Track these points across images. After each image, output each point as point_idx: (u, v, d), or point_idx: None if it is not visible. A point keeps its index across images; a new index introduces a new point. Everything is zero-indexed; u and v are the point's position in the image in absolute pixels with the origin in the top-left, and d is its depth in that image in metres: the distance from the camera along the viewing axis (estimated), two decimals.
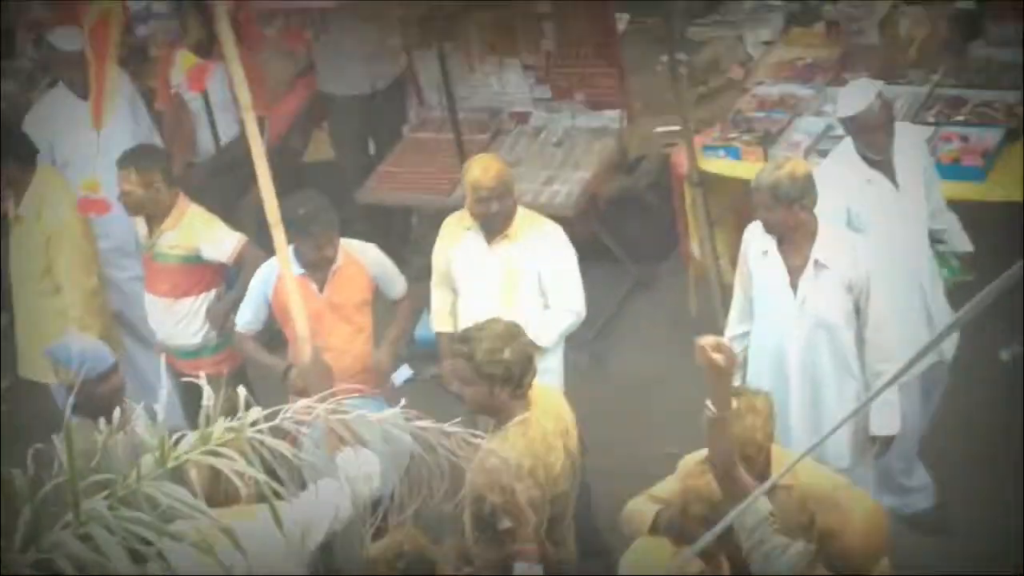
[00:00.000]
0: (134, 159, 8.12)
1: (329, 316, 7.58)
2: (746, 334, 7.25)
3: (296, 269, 7.45)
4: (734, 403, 5.54)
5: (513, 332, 6.35)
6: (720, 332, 7.94)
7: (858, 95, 7.35)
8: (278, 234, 6.64)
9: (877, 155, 7.32)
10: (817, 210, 6.96)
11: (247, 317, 7.85)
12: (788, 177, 6.83)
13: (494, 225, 7.51)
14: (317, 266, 7.56)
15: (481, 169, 7.47)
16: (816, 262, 6.92)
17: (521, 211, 7.61)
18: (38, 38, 10.89)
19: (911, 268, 7.39)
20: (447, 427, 4.25)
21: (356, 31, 9.03)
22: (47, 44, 9.34)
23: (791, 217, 6.87)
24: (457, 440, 4.27)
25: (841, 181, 7.34)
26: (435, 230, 7.96)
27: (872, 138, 7.31)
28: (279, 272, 7.52)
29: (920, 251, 7.44)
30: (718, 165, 8.62)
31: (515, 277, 7.52)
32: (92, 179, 8.26)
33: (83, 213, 8.18)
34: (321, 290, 7.60)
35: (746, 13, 11.37)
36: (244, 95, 6.31)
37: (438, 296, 7.89)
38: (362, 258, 7.79)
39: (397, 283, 7.93)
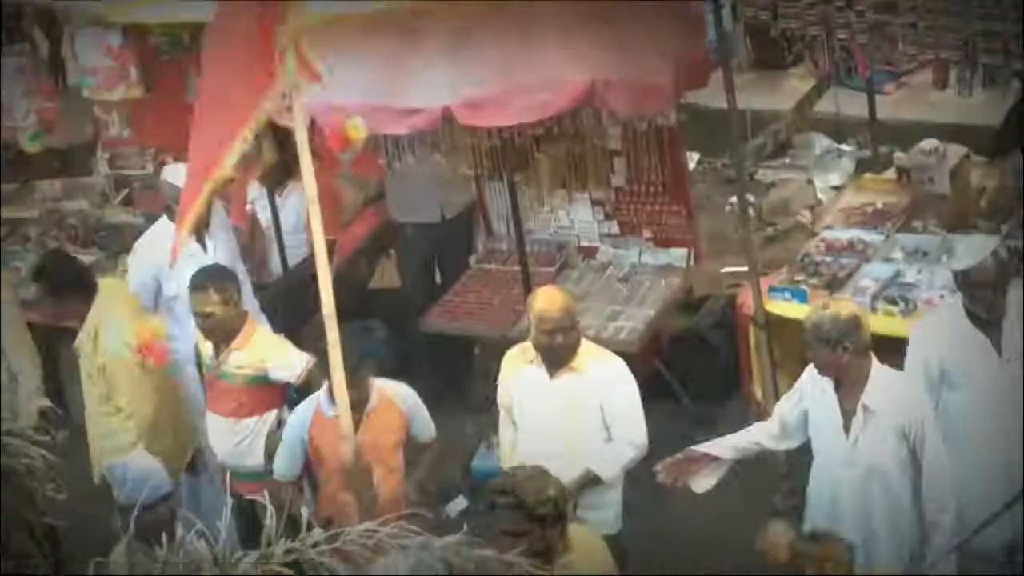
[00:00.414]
0: (210, 278, 8.18)
1: (363, 456, 7.43)
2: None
3: (329, 410, 7.49)
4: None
5: (544, 471, 6.37)
6: (778, 476, 7.96)
7: (975, 250, 7.30)
8: (335, 354, 6.64)
9: (985, 314, 7.24)
10: (908, 362, 6.93)
11: (283, 465, 7.86)
12: (831, 318, 6.84)
13: (558, 357, 7.48)
14: (352, 406, 7.50)
15: (547, 300, 7.47)
16: (865, 407, 6.89)
17: (585, 344, 7.59)
18: (112, 158, 11.08)
19: (1001, 434, 7.23)
20: (510, 556, 4.23)
21: (428, 160, 9.10)
22: (165, 183, 9.25)
23: (835, 358, 6.86)
24: (519, 569, 4.24)
25: (940, 336, 7.29)
26: (497, 361, 7.93)
27: (982, 295, 7.23)
28: (314, 411, 7.61)
29: (1017, 419, 7.26)
30: (784, 308, 8.60)
31: (577, 409, 7.47)
32: (156, 326, 8.39)
33: (143, 358, 8.26)
34: (356, 430, 7.56)
35: (816, 157, 11.43)
36: (316, 215, 6.34)
37: (504, 432, 7.86)
38: (397, 399, 7.78)
39: (428, 426, 7.91)
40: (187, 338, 8.64)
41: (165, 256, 8.29)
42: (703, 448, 7.34)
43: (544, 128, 8.18)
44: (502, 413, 7.81)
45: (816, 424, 7.14)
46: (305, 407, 7.82)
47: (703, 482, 7.38)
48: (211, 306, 8.06)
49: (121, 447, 8.06)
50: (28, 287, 9.37)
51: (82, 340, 8.40)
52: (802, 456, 7.45)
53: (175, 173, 8.64)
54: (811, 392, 7.14)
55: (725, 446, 7.35)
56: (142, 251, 9.17)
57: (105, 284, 8.69)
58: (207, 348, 8.30)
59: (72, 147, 11.45)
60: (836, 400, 6.99)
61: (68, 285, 8.48)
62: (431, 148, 8.67)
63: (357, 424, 7.47)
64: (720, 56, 8.50)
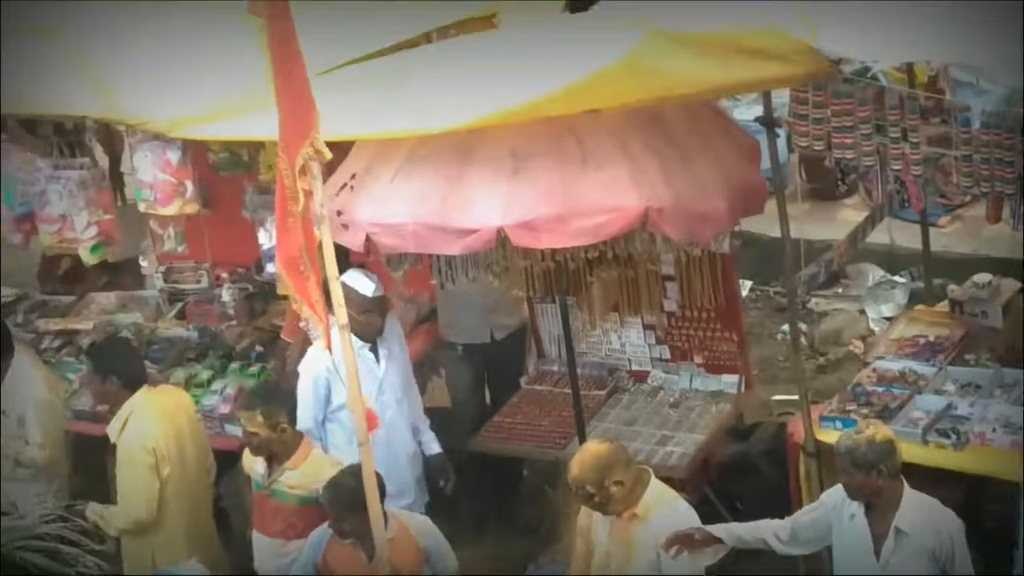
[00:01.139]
0: (260, 400, 8.20)
1: None
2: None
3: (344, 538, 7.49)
4: None
5: None
6: None
7: None
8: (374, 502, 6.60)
9: None
10: None
11: None
12: (867, 442, 6.92)
13: (603, 511, 7.48)
14: (365, 536, 7.46)
15: (572, 464, 7.47)
16: (897, 530, 6.91)
17: (655, 487, 7.53)
18: (167, 272, 11.18)
19: None
20: None
21: (480, 281, 9.15)
22: (345, 286, 9.21)
23: (869, 482, 6.94)
24: None
25: None
26: (545, 483, 7.92)
27: None
28: (331, 535, 7.66)
29: None
30: (834, 437, 8.54)
31: (634, 551, 7.46)
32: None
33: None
34: (370, 560, 7.49)
35: (869, 288, 11.43)
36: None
37: (575, 551, 7.82)
38: (414, 530, 7.73)
39: (449, 559, 7.83)
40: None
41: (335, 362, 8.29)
42: (710, 528, 7.42)
43: (598, 252, 8.21)
44: (578, 536, 7.78)
45: (844, 547, 7.20)
46: (323, 529, 7.79)
47: (703, 560, 7.45)
48: (255, 427, 8.07)
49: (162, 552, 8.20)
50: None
51: (112, 426, 8.51)
52: None
53: (355, 278, 8.62)
54: (838, 514, 7.16)
55: (732, 533, 7.49)
56: (311, 360, 9.00)
57: (156, 389, 8.77)
58: (258, 466, 8.29)
59: (128, 260, 11.54)
60: (867, 524, 7.02)
61: (116, 367, 8.62)
62: (484, 269, 8.70)
63: (371, 554, 7.43)
64: (775, 185, 8.54)
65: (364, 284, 8.64)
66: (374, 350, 8.83)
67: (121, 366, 8.65)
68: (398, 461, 8.76)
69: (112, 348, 9.11)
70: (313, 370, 8.75)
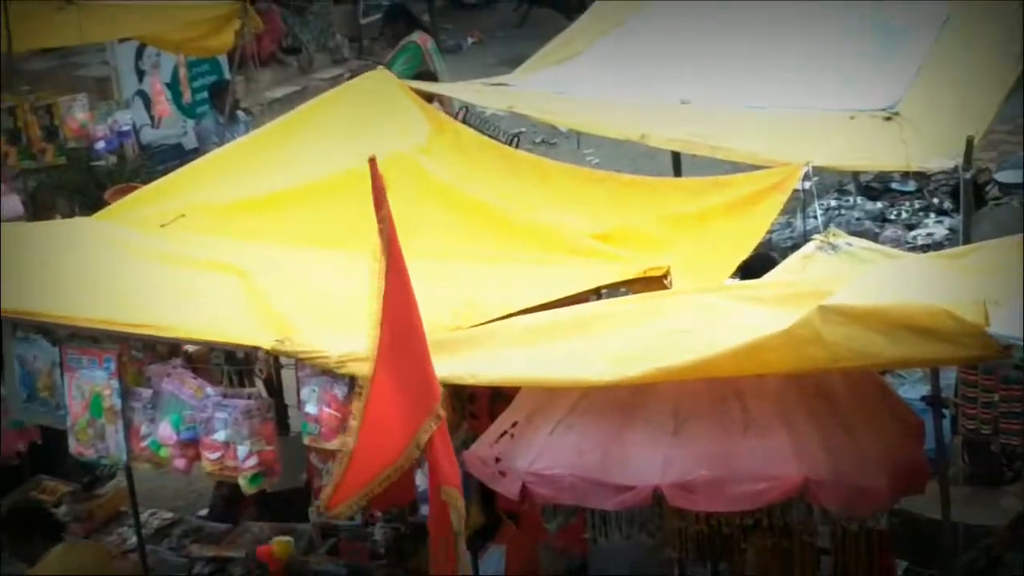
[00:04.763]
0: None
1: None
2: None
3: None
4: None
5: None
6: None
7: None
8: None
9: None
10: None
11: None
12: None
13: None
14: None
15: None
16: None
17: None
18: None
19: None
20: None
21: (634, 539, 9.09)
22: None
23: None
24: None
25: None
26: None
27: None
28: None
29: None
30: None
31: None
32: None
33: None
34: None
35: None
36: None
37: None
38: None
39: None
40: None
41: None
42: None
43: (754, 519, 8.16)
44: None
45: None
46: None
47: None
48: None
49: None
50: None
51: None
52: None
53: None
54: None
55: None
56: None
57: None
58: None
59: (285, 492, 11.66)
60: None
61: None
62: (638, 527, 8.67)
63: None
64: (937, 466, 8.44)
65: None
66: None
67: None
68: None
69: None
70: None
